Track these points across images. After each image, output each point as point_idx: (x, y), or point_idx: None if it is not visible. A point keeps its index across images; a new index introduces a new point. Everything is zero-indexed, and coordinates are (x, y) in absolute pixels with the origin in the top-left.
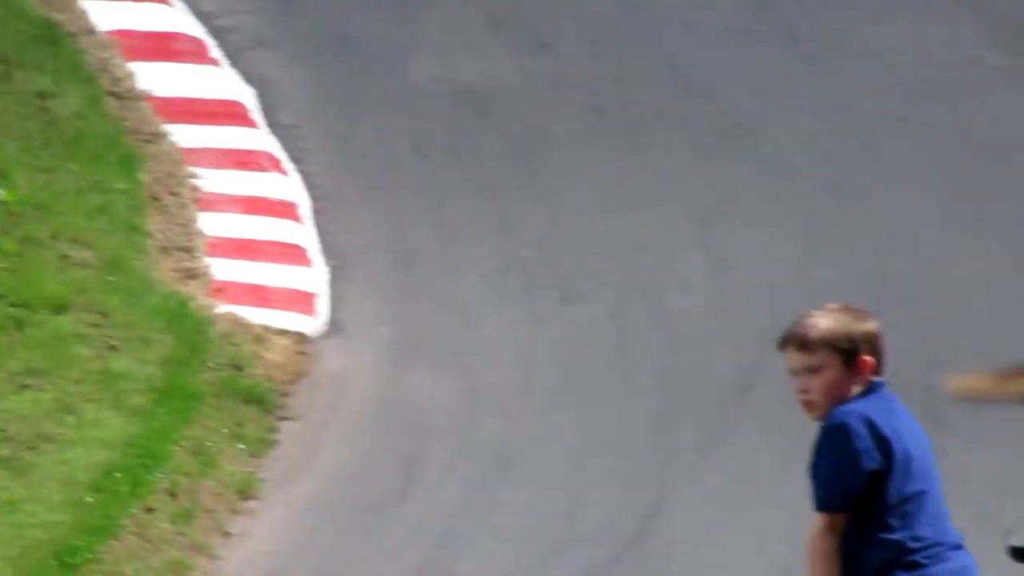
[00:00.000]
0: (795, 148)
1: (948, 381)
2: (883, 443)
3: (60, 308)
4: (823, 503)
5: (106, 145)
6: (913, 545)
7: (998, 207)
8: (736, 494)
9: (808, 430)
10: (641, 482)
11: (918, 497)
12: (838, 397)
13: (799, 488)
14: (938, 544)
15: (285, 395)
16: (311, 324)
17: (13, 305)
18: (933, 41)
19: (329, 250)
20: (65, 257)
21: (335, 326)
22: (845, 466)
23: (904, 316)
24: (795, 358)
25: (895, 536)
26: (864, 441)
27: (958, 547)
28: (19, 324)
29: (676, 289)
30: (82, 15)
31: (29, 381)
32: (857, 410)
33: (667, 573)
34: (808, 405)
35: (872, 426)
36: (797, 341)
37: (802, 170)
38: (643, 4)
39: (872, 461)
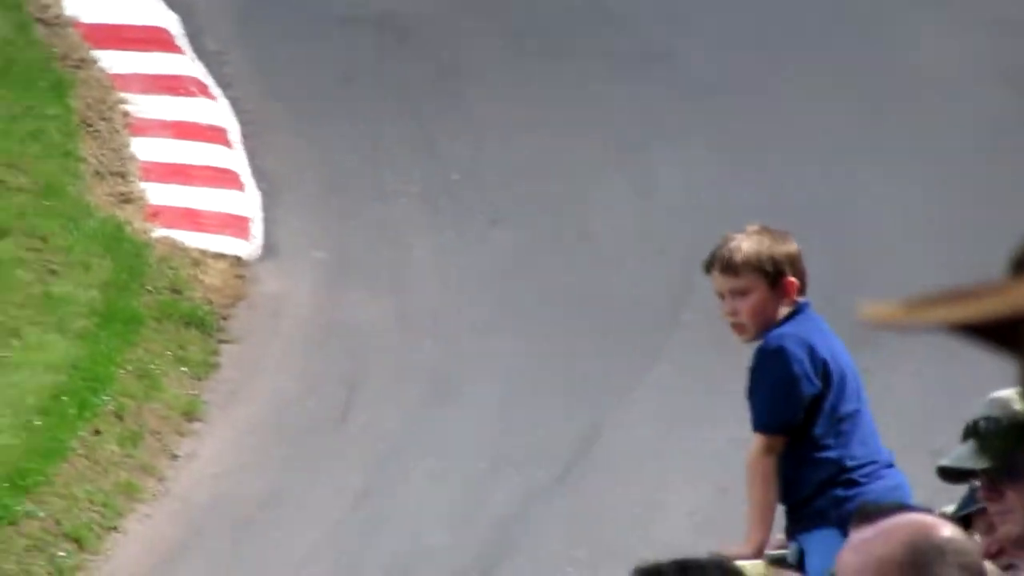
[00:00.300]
0: (711, 71)
1: (861, 308)
2: (821, 365)
3: None
4: (763, 425)
5: (36, 71)
6: (850, 463)
7: (905, 123)
8: (671, 415)
9: (738, 350)
10: (577, 403)
11: (852, 416)
12: (767, 319)
13: (733, 409)
14: (873, 462)
15: (224, 318)
16: (246, 248)
17: None
18: None
19: (260, 174)
20: (1, 182)
21: (270, 250)
22: (785, 390)
23: (821, 235)
24: (721, 281)
25: (832, 455)
26: (803, 365)
27: (891, 465)
28: None
29: (601, 211)
30: None
31: None
32: (794, 333)
33: (607, 493)
34: (738, 327)
35: (811, 349)
36: (722, 264)
37: (718, 93)
38: None
39: (811, 386)
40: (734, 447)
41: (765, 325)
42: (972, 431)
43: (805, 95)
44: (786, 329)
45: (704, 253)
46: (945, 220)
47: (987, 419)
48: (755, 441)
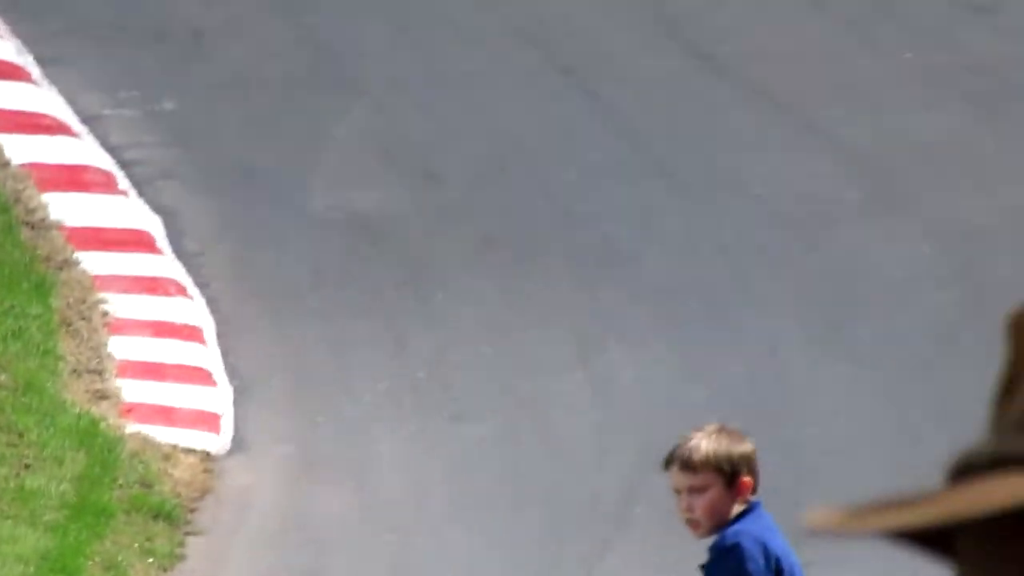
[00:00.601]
0: (669, 275)
1: (806, 515)
2: (775, 562)
3: None
4: None
5: (20, 272)
6: None
7: (854, 332)
8: None
9: (689, 545)
10: None
11: None
12: (721, 516)
13: None
14: None
15: (192, 511)
16: (216, 443)
17: None
18: (794, 176)
19: (232, 371)
20: None
21: (238, 444)
22: None
23: (772, 434)
24: (679, 478)
25: None
26: (758, 563)
27: None
28: None
29: (561, 408)
30: None
31: None
32: (749, 531)
33: None
34: (692, 524)
35: (764, 547)
36: (681, 462)
37: (676, 296)
38: (525, 140)
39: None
40: None
41: (719, 522)
42: None
43: (758, 300)
44: (741, 527)
45: (658, 449)
46: (894, 423)
47: None
48: None
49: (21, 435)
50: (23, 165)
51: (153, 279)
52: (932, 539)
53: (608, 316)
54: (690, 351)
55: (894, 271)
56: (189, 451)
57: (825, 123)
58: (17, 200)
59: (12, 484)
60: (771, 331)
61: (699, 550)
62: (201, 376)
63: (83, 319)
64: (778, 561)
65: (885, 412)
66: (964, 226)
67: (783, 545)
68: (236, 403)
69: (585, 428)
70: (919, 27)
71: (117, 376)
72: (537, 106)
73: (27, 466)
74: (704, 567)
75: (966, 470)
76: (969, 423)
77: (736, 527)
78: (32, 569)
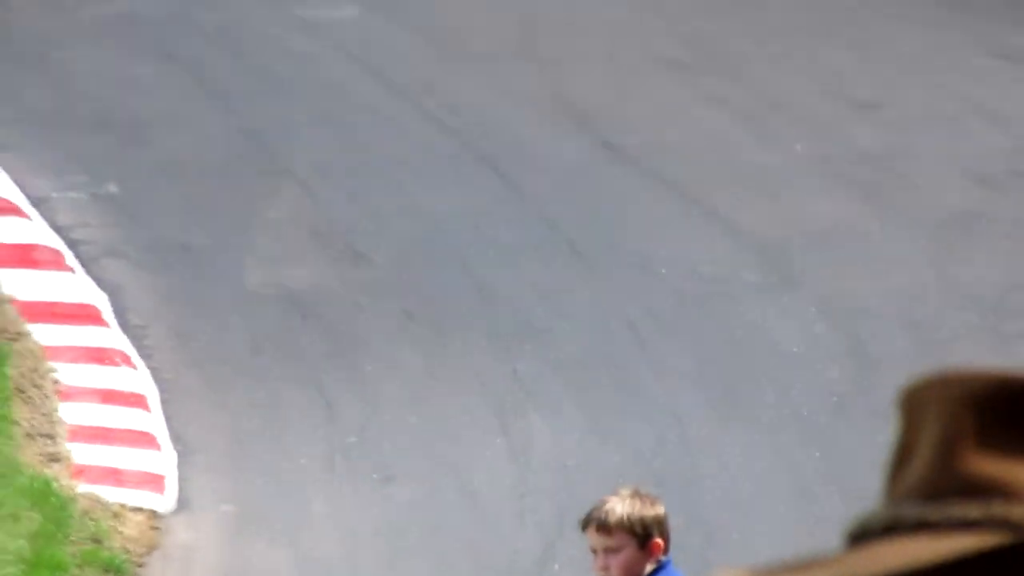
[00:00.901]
0: (581, 348)
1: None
2: None
3: None
4: None
5: None
6: None
7: (753, 400)
8: None
9: None
10: None
11: None
12: (635, 575)
13: None
14: None
15: (140, 565)
16: (161, 502)
17: None
18: (697, 257)
19: (176, 436)
20: None
21: (182, 503)
22: None
23: (679, 495)
24: (596, 539)
25: None
26: None
27: None
28: None
29: (482, 472)
30: None
31: None
32: None
33: None
34: None
35: None
36: (597, 524)
37: (588, 367)
38: (445, 222)
39: None
40: None
41: None
42: None
43: (664, 371)
44: None
45: (574, 510)
46: (790, 484)
47: None
48: None
49: None
50: None
51: (100, 350)
52: None
53: (525, 386)
54: (601, 418)
55: (790, 345)
56: (136, 510)
57: (725, 209)
58: None
59: None
60: (676, 399)
61: None
62: (146, 440)
63: (35, 387)
64: None
65: (782, 475)
66: (854, 305)
67: None
68: (179, 465)
69: (505, 490)
70: (810, 121)
71: (68, 440)
72: (456, 191)
73: None
74: None
75: (862, 535)
76: (858, 485)
77: None
78: None
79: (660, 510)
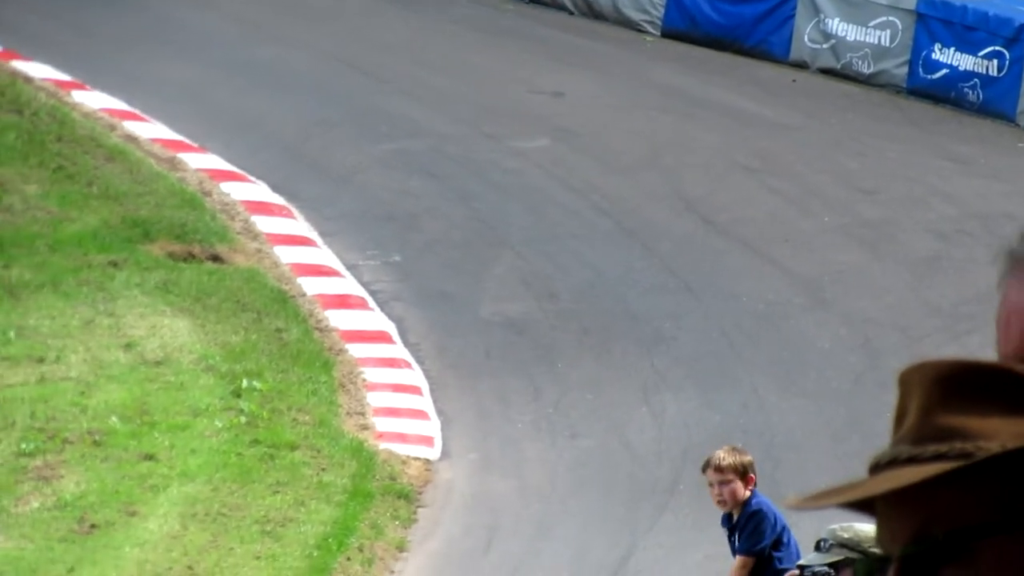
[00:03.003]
0: (694, 349)
1: (786, 499)
2: (777, 522)
3: (294, 447)
4: (745, 551)
5: (314, 357)
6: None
7: (803, 378)
8: None
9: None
10: None
11: (790, 545)
12: (738, 499)
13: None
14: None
15: (419, 494)
16: (432, 453)
17: (267, 446)
18: (764, 290)
19: (439, 411)
20: (295, 420)
21: (445, 454)
22: (762, 532)
23: (757, 442)
24: (713, 476)
25: (785, 565)
26: (770, 520)
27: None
28: (272, 457)
29: (634, 430)
30: None
31: (278, 489)
32: (764, 502)
33: None
34: (721, 503)
35: (773, 512)
36: (714, 467)
37: (698, 361)
38: (605, 272)
39: (773, 531)
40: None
41: (737, 502)
42: (816, 546)
43: (745, 362)
44: (757, 500)
45: (692, 451)
46: (830, 432)
47: (824, 540)
48: (738, 561)
49: (319, 451)
50: (314, 295)
51: (391, 359)
52: (862, 505)
53: (659, 374)
54: (707, 393)
55: (823, 343)
56: (417, 459)
57: (781, 259)
58: (311, 314)
59: (314, 480)
60: (754, 380)
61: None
62: (422, 415)
63: (351, 383)
64: (778, 520)
65: (822, 426)
66: (863, 316)
67: (780, 512)
68: (442, 429)
69: (648, 441)
70: (833, 202)
71: (372, 416)
72: (612, 253)
73: (323, 469)
74: (734, 525)
75: (876, 466)
76: (871, 431)
77: (754, 500)
78: (328, 528)
79: (750, 457)
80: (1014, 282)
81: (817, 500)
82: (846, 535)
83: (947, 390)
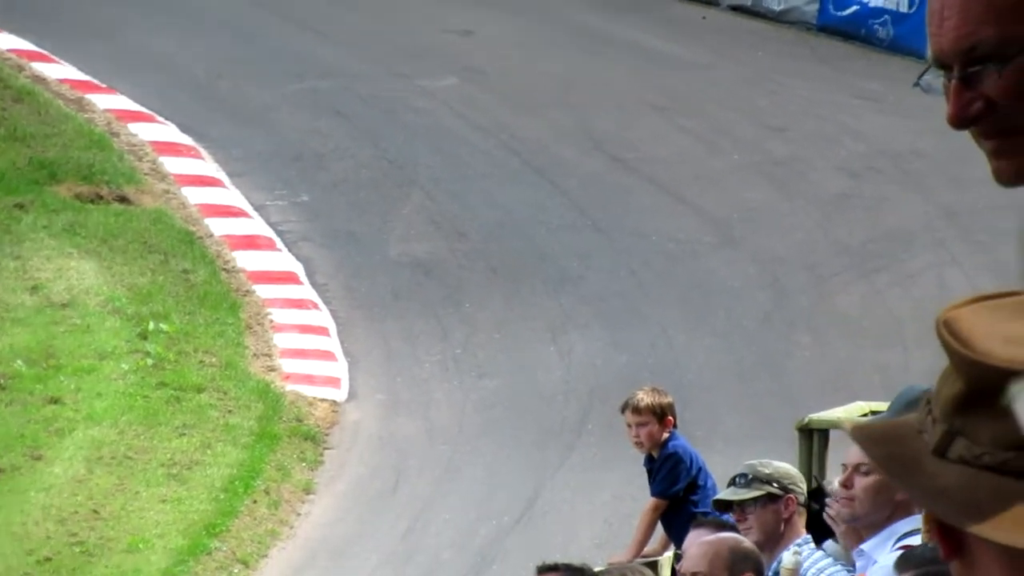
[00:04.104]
0: (601, 288)
1: (844, 426)
2: (694, 464)
3: (200, 389)
4: (659, 493)
5: (221, 298)
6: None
7: (712, 317)
8: None
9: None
10: None
11: (705, 488)
12: (656, 441)
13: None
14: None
15: (326, 435)
16: (339, 394)
17: (174, 388)
18: (674, 228)
19: (347, 352)
20: (202, 362)
21: (351, 395)
22: (676, 475)
23: (665, 381)
24: (631, 418)
25: (699, 509)
26: (686, 463)
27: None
28: (178, 399)
29: (541, 369)
30: None
31: (185, 431)
32: (681, 445)
33: None
34: (639, 445)
35: (690, 455)
36: (632, 408)
37: (606, 300)
38: (514, 211)
39: (688, 474)
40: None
41: (655, 444)
42: (732, 481)
43: (654, 301)
44: (675, 443)
45: (600, 391)
46: (738, 370)
47: (742, 475)
48: (650, 503)
49: (225, 392)
50: (221, 236)
51: (299, 300)
52: None
53: (566, 313)
54: (615, 333)
55: (733, 282)
56: (323, 400)
57: (691, 197)
58: (218, 255)
59: (221, 422)
60: (663, 319)
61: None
62: (329, 356)
63: (258, 324)
64: (694, 462)
65: (731, 364)
66: (772, 255)
67: (698, 454)
68: (349, 371)
69: (556, 380)
70: (743, 140)
71: (279, 357)
72: (520, 191)
73: (230, 411)
74: (650, 469)
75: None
76: (779, 369)
77: (671, 443)
78: (234, 470)
79: (670, 399)
80: None
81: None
82: (765, 471)
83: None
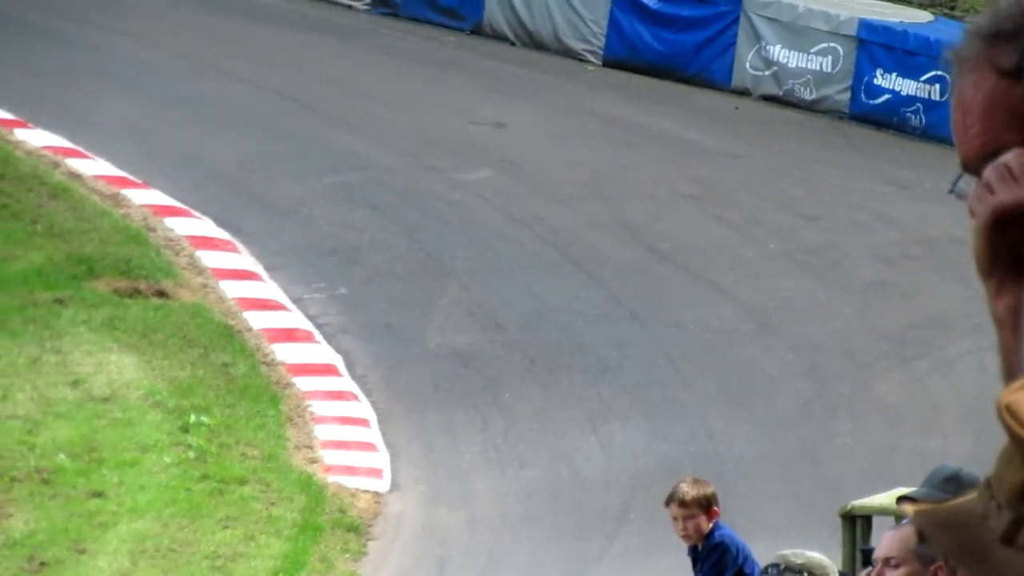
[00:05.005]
0: (640, 377)
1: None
2: (740, 553)
3: (243, 481)
4: None
5: (261, 391)
6: None
7: (751, 404)
8: None
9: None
10: None
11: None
12: (702, 532)
13: None
14: None
15: (369, 526)
16: (381, 485)
17: (216, 481)
18: (711, 317)
19: (388, 443)
20: (244, 454)
21: (394, 486)
22: (724, 565)
23: (706, 470)
24: (676, 511)
25: None
26: (732, 552)
27: None
28: (221, 492)
29: (582, 459)
30: None
31: (228, 524)
32: (727, 534)
33: None
34: (686, 537)
35: (736, 544)
36: (678, 501)
37: (645, 389)
38: (551, 302)
39: (735, 563)
40: None
41: (701, 535)
42: (764, 571)
43: (693, 389)
44: (721, 532)
45: (640, 479)
46: (779, 459)
47: (774, 565)
48: None
49: (268, 484)
50: (260, 329)
51: (339, 392)
52: None
53: (606, 403)
54: (655, 422)
55: (771, 370)
56: (366, 491)
57: (727, 286)
58: (257, 348)
59: (264, 514)
60: (702, 408)
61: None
62: (370, 447)
63: (299, 416)
64: (740, 551)
65: (771, 453)
66: (810, 342)
67: (744, 543)
68: (391, 462)
69: (597, 470)
70: (777, 229)
71: (321, 448)
72: (557, 282)
73: (272, 503)
74: (699, 558)
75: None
76: (820, 457)
77: (718, 532)
78: (278, 562)
79: (713, 488)
80: (960, 80)
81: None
82: (798, 561)
83: None
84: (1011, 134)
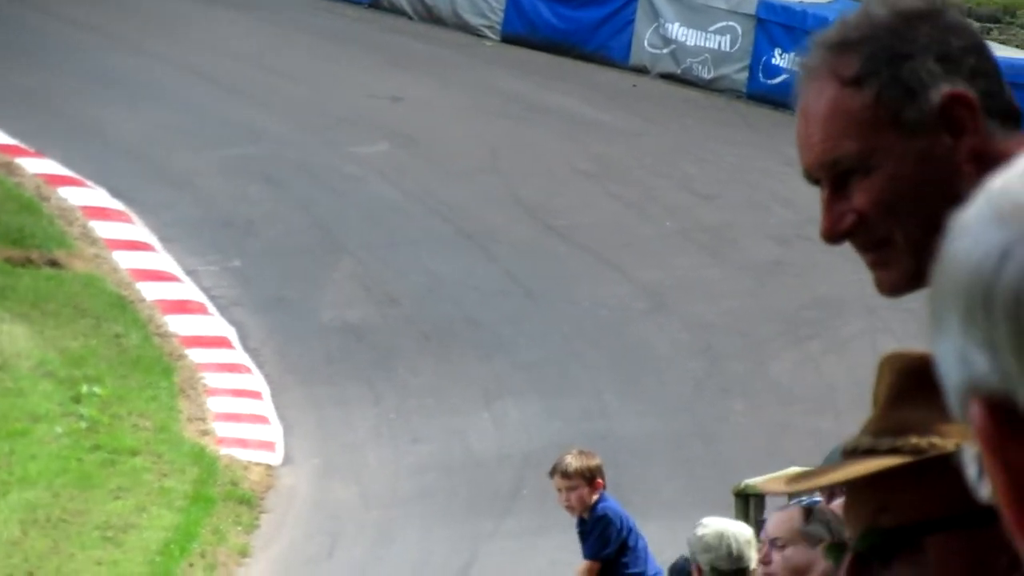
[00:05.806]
0: (533, 354)
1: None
2: (624, 526)
3: (135, 452)
4: (592, 555)
5: (153, 363)
6: (644, 570)
7: (644, 382)
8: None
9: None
10: None
11: (636, 549)
12: (586, 503)
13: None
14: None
15: (261, 499)
16: (273, 458)
17: (108, 451)
18: (605, 295)
19: (281, 416)
20: (136, 425)
21: (287, 459)
22: (607, 537)
23: (598, 446)
24: (560, 482)
25: (631, 570)
26: (616, 525)
27: (658, 572)
28: (112, 463)
29: (475, 435)
30: None
31: (120, 494)
32: (610, 507)
33: None
34: (570, 509)
35: (620, 516)
36: (560, 472)
37: (538, 366)
38: (445, 277)
39: (619, 536)
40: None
41: (585, 507)
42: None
43: (586, 366)
44: (604, 505)
45: (533, 456)
46: (671, 435)
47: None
48: (583, 565)
49: (160, 456)
50: (153, 300)
51: (232, 364)
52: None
53: (499, 379)
54: (548, 398)
55: (665, 349)
56: (258, 464)
57: (622, 264)
58: (150, 320)
59: (155, 485)
60: (595, 385)
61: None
62: (263, 420)
63: (192, 388)
64: (624, 524)
65: (663, 430)
66: (704, 321)
67: (628, 515)
68: (284, 435)
69: (490, 445)
70: (674, 207)
71: (213, 421)
72: (451, 257)
73: (164, 475)
74: (582, 532)
75: (846, 453)
76: (711, 435)
77: (601, 505)
78: (170, 534)
79: (598, 460)
80: (804, 89)
81: (791, 485)
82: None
83: (910, 383)
84: (850, 142)
